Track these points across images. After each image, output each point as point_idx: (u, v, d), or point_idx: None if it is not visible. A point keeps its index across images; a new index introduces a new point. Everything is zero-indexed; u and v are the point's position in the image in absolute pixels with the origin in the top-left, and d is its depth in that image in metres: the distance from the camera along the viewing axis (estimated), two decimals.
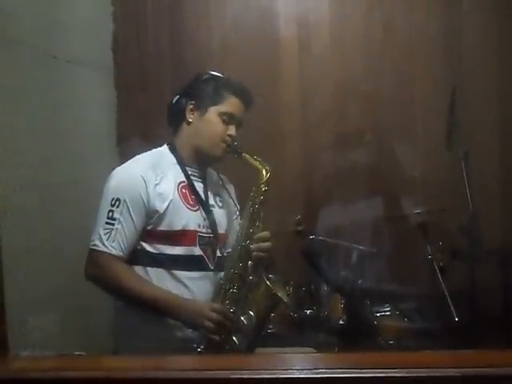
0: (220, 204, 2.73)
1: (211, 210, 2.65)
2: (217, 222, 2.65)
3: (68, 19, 3.14)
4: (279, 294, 2.54)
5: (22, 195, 2.64)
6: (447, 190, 3.44)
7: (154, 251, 2.50)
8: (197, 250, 2.55)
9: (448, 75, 3.57)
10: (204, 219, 2.59)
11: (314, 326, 3.16)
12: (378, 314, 3.12)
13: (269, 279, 2.56)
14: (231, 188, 2.82)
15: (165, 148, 2.67)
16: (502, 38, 3.58)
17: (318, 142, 3.72)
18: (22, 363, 1.90)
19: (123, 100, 3.55)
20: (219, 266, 2.61)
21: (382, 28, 3.66)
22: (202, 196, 2.64)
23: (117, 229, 2.42)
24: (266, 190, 2.57)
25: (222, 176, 2.78)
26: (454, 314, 2.86)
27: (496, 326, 2.97)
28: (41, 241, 2.75)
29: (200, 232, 2.57)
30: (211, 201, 2.68)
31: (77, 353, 2.13)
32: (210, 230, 2.61)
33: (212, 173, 2.76)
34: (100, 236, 2.41)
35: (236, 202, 2.77)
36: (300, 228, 3.27)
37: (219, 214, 2.69)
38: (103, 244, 2.41)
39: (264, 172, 2.57)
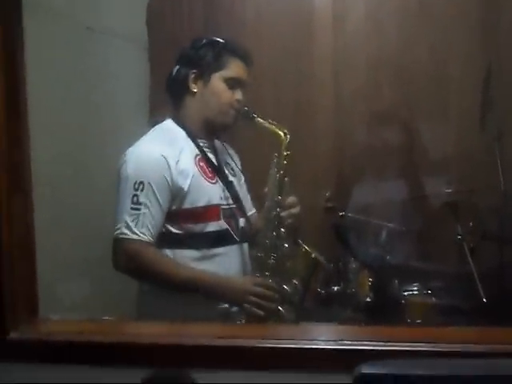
0: (232, 172, 2.64)
1: (231, 181, 2.57)
2: (237, 190, 2.59)
3: None
4: (318, 257, 2.53)
5: (54, 166, 2.67)
6: (480, 170, 3.39)
7: (180, 231, 2.41)
8: (222, 224, 2.47)
9: (484, 53, 3.50)
10: (223, 191, 2.51)
11: (341, 303, 3.16)
12: (406, 293, 3.10)
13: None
14: (236, 157, 2.75)
15: (170, 122, 2.54)
16: None
17: (351, 117, 3.69)
18: (51, 326, 1.93)
19: (157, 73, 3.55)
20: (244, 236, 2.56)
21: (418, 1, 3.60)
22: (218, 167, 2.55)
23: (144, 213, 2.30)
24: (288, 154, 2.47)
25: (226, 145, 2.70)
26: (482, 295, 2.85)
27: None
28: (72, 212, 2.79)
29: (222, 205, 2.49)
30: (225, 169, 2.61)
31: (104, 317, 2.17)
32: (231, 202, 2.53)
33: (218, 143, 2.65)
34: (127, 223, 2.30)
35: (241, 170, 2.71)
36: (330, 204, 3.26)
37: (235, 183, 2.62)
38: (132, 231, 2.29)
39: (283, 135, 2.47)
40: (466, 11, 3.56)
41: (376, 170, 3.61)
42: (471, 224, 3.15)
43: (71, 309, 2.54)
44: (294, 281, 2.46)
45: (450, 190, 3.23)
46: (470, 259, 2.97)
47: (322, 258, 2.60)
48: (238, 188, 2.62)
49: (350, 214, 3.28)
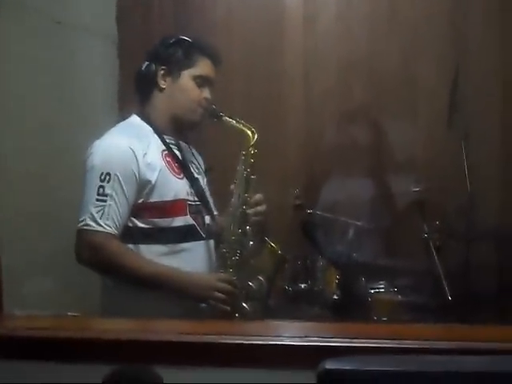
0: (197, 171, 2.64)
1: (197, 178, 2.57)
2: (202, 187, 2.59)
3: None
4: (284, 254, 2.54)
5: (22, 160, 2.65)
6: (446, 170, 3.43)
7: (147, 226, 2.38)
8: (189, 219, 2.46)
9: (451, 55, 3.54)
10: (190, 187, 2.51)
11: (308, 300, 3.18)
12: (373, 291, 3.12)
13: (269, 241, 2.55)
14: (201, 159, 2.74)
15: (136, 118, 2.54)
16: (505, 18, 3.55)
17: (321, 116, 3.70)
18: (16, 322, 1.92)
19: (126, 69, 3.53)
20: (209, 234, 2.54)
21: (388, 4, 3.63)
22: (184, 164, 2.55)
23: (110, 205, 2.27)
24: (255, 152, 2.48)
25: (191, 147, 2.69)
26: (448, 293, 2.88)
27: (488, 304, 2.99)
28: (39, 205, 2.76)
29: (189, 200, 2.48)
30: (191, 166, 2.60)
31: (70, 313, 2.16)
32: (196, 198, 2.52)
33: (183, 143, 2.62)
34: (92, 215, 2.26)
35: (204, 171, 2.71)
36: (298, 202, 3.27)
37: (200, 180, 2.61)
38: (97, 223, 2.26)
39: (250, 134, 2.48)
40: (435, 15, 3.60)
41: (345, 168, 3.63)
42: (437, 223, 3.18)
43: (37, 304, 2.51)
44: (260, 277, 2.46)
45: (417, 189, 3.26)
46: (435, 257, 3.01)
47: (287, 256, 2.61)
48: (203, 185, 2.62)
49: (318, 212, 3.30)
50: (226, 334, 1.76)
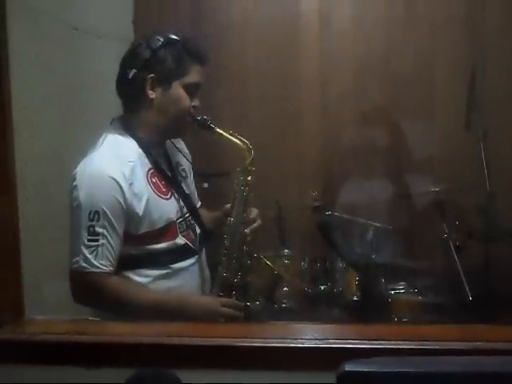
0: (183, 174, 2.49)
1: (187, 194, 2.44)
2: (191, 199, 2.47)
3: None
4: (280, 272, 2.49)
5: (39, 166, 2.66)
6: (465, 170, 3.41)
7: (139, 252, 2.27)
8: (179, 240, 2.34)
9: (468, 55, 3.53)
10: (178, 202, 2.37)
11: (328, 302, 3.18)
12: (393, 292, 3.12)
13: (266, 258, 2.51)
14: (185, 150, 2.57)
15: (121, 133, 2.31)
16: None
17: (337, 118, 3.70)
18: (37, 326, 1.93)
19: None
20: (201, 244, 2.46)
21: (404, 4, 3.62)
22: (171, 177, 2.40)
23: (102, 244, 2.14)
24: (252, 170, 2.36)
25: (174, 142, 2.49)
26: (468, 293, 2.87)
27: (510, 304, 2.97)
28: (57, 211, 2.77)
29: (178, 219, 2.35)
30: (178, 176, 2.46)
31: (90, 318, 2.17)
32: (185, 211, 2.40)
33: (167, 146, 2.46)
34: (85, 256, 2.14)
35: (191, 163, 2.56)
36: (316, 204, 3.27)
37: (187, 186, 2.49)
38: (91, 264, 2.14)
39: (246, 150, 2.33)
40: (451, 15, 3.58)
41: (363, 169, 3.63)
42: (457, 223, 3.18)
43: (57, 309, 2.53)
44: (257, 296, 2.42)
45: (436, 190, 3.25)
46: (456, 257, 3.00)
47: (284, 273, 2.56)
48: (191, 191, 2.52)
49: (336, 213, 3.29)
50: (245, 337, 1.76)
